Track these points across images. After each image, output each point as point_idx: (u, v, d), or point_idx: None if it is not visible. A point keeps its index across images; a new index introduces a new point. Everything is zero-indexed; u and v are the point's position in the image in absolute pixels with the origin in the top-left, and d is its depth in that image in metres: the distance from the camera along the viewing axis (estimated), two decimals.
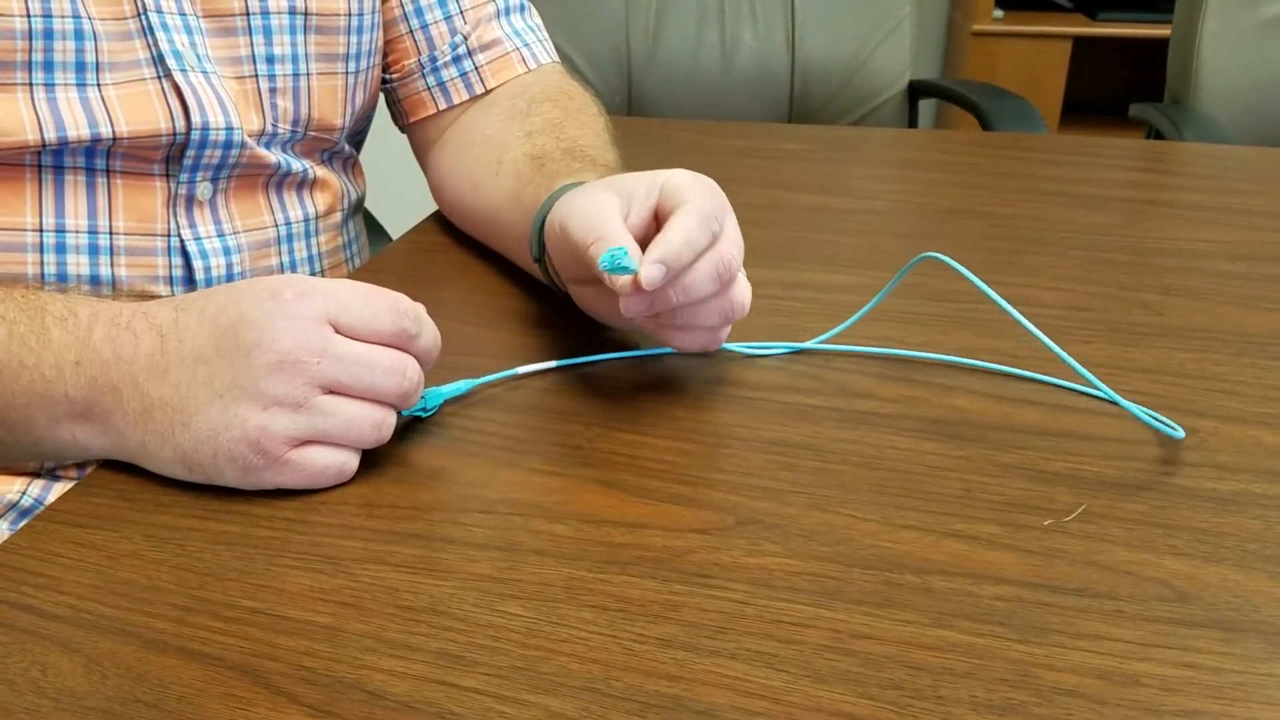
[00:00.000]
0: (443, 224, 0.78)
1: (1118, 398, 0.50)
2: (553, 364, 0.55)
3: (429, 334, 0.46)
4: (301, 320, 0.43)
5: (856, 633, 0.38)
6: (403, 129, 0.79)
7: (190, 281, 0.62)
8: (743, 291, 0.51)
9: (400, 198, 1.20)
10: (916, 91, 1.52)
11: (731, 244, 0.49)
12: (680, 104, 1.49)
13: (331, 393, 0.43)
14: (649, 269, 0.46)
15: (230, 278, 0.64)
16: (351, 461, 0.45)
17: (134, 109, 0.58)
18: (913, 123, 1.53)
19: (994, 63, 2.42)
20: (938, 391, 0.54)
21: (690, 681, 0.36)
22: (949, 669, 0.36)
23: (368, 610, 0.39)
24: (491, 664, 0.36)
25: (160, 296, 0.63)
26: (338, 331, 0.43)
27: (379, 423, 0.45)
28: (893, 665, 0.37)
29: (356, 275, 0.69)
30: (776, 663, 0.37)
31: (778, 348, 0.58)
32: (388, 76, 0.76)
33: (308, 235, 0.69)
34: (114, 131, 0.57)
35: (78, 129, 0.56)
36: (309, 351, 0.42)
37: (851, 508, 0.45)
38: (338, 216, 0.72)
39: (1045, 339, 0.49)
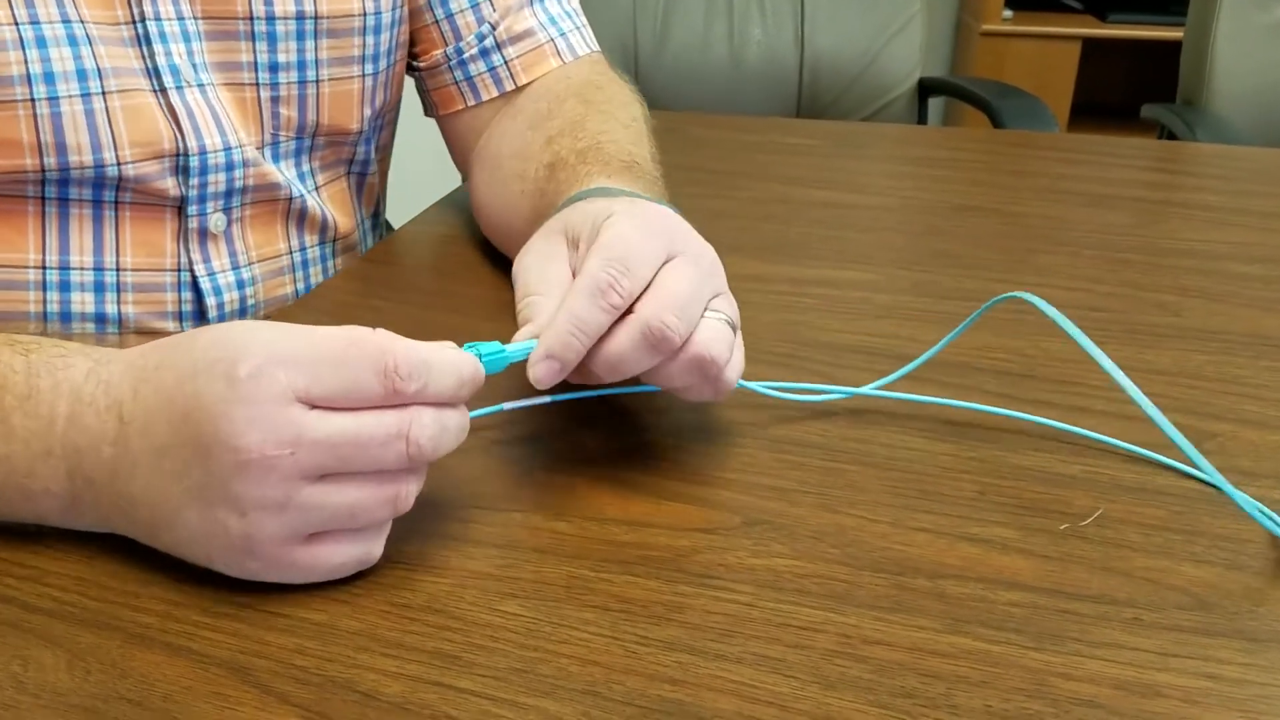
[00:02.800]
0: (446, 212, 0.77)
1: (1226, 485, 0.42)
2: (590, 393, 0.49)
3: (442, 374, 0.37)
4: (262, 406, 0.34)
5: (867, 638, 0.37)
6: (434, 117, 0.75)
7: (201, 316, 0.61)
8: (709, 343, 0.42)
9: (403, 184, 1.18)
10: (926, 89, 1.51)
11: (665, 305, 0.41)
12: (688, 98, 1.48)
13: (322, 478, 0.36)
14: (537, 367, 0.40)
15: (243, 311, 0.62)
16: (373, 549, 0.38)
17: (136, 126, 0.56)
18: (922, 120, 1.52)
19: (1003, 63, 2.40)
20: (951, 391, 0.53)
21: (694, 686, 0.35)
22: (963, 677, 0.35)
23: (361, 607, 0.37)
24: (489, 665, 0.35)
25: (168, 334, 0.61)
26: (314, 406, 0.35)
27: (391, 498, 0.37)
28: (905, 672, 0.35)
29: (359, 265, 0.68)
30: (784, 668, 0.35)
31: (834, 391, 0.50)
32: (416, 64, 0.71)
33: (323, 259, 0.67)
34: (117, 156, 0.55)
35: (80, 154, 0.54)
36: (277, 444, 0.34)
37: (862, 509, 0.44)
38: (355, 236, 0.70)
39: (1151, 409, 0.41)
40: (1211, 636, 0.37)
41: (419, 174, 0.81)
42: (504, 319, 0.60)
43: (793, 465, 0.47)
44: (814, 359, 0.56)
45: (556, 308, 0.42)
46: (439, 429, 0.37)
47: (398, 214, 0.79)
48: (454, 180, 0.81)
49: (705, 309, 0.43)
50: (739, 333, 0.45)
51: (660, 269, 0.42)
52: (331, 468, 0.36)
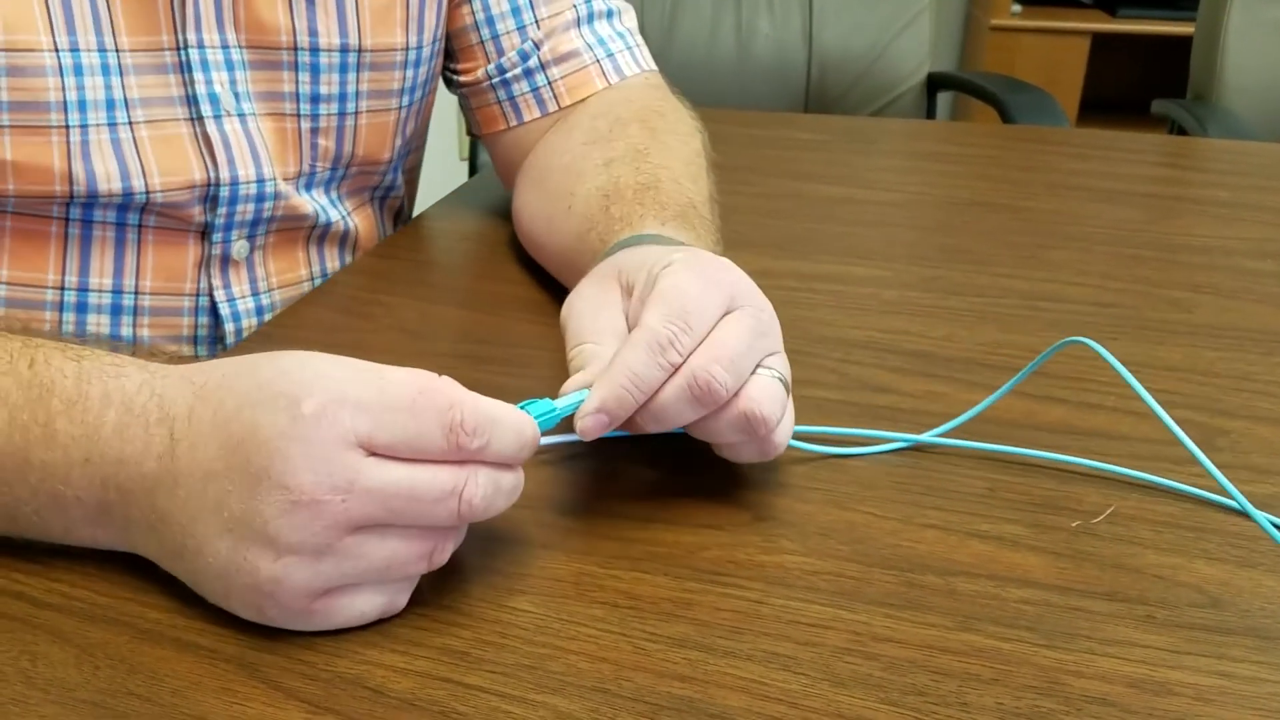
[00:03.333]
0: (458, 205, 0.77)
1: (1253, 510, 0.41)
2: (621, 433, 0.43)
3: (504, 434, 0.35)
4: (322, 447, 0.33)
5: (877, 635, 0.36)
6: (477, 137, 0.73)
7: (218, 341, 0.60)
8: (759, 401, 0.40)
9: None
10: (935, 84, 1.50)
11: (715, 358, 0.39)
12: (695, 91, 1.47)
13: (362, 529, 0.34)
14: (586, 420, 0.39)
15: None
16: (397, 600, 0.36)
17: (166, 155, 0.55)
18: (931, 115, 1.51)
19: (1012, 58, 2.39)
20: (960, 387, 0.52)
21: (704, 683, 0.34)
22: (974, 675, 0.35)
23: None
24: (498, 661, 0.35)
25: (183, 358, 0.60)
26: (372, 453, 0.34)
27: (428, 553, 0.35)
28: (915, 670, 0.35)
29: (367, 260, 0.68)
30: (794, 665, 0.35)
31: (896, 439, 0.47)
32: (459, 79, 0.70)
33: None
34: (146, 185, 0.55)
35: (109, 181, 0.54)
36: (332, 489, 0.33)
37: (871, 505, 0.43)
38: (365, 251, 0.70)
39: (1199, 453, 0.41)
40: (1224, 634, 0.37)
41: (429, 168, 0.81)
42: (516, 315, 0.60)
43: (801, 461, 0.46)
44: (823, 355, 0.56)
45: (609, 357, 0.40)
46: (493, 489, 0.35)
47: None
48: (464, 173, 0.80)
49: (759, 365, 0.41)
50: (790, 393, 0.43)
51: (718, 322, 0.41)
52: (380, 519, 0.34)
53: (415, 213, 0.77)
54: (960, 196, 0.83)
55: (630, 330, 0.42)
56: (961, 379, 0.53)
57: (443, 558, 0.36)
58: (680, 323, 0.40)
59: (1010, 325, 0.59)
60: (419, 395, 0.34)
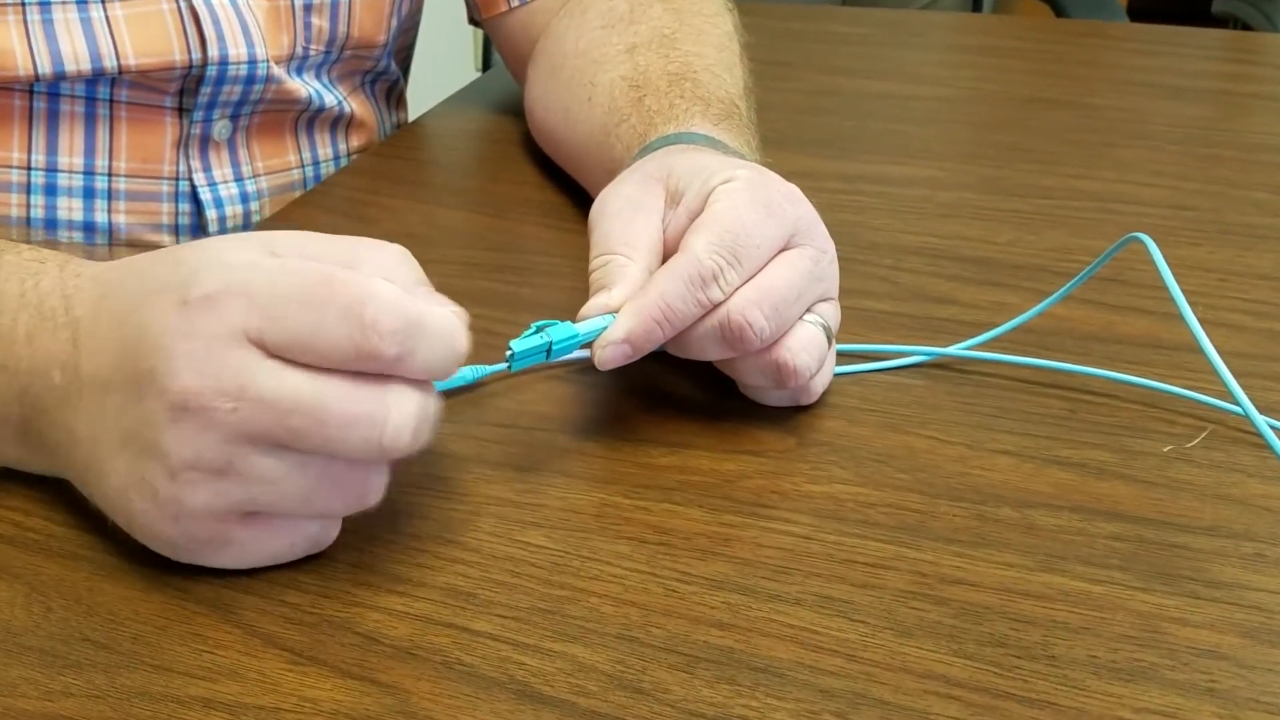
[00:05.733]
0: (466, 102, 0.71)
1: None
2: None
3: (433, 342, 0.29)
4: (206, 343, 0.28)
5: (946, 577, 0.32)
6: (479, 24, 0.68)
7: (200, 230, 0.56)
8: (796, 350, 0.36)
9: (421, 74, 1.12)
10: None
11: (757, 300, 0.35)
12: None
13: (274, 448, 0.29)
14: (606, 350, 0.35)
15: (246, 228, 0.57)
16: (326, 532, 0.32)
17: (144, 34, 0.51)
18: (977, 9, 1.43)
19: None
20: (1029, 297, 0.47)
21: (746, 631, 0.30)
22: (1061, 622, 0.30)
23: (363, 536, 0.33)
24: (509, 604, 0.31)
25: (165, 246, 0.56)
26: (270, 355, 0.28)
27: (356, 488, 0.30)
28: (993, 617, 0.30)
29: (369, 159, 0.62)
30: (850, 611, 0.31)
31: (916, 353, 0.42)
32: None
33: None
34: (119, 64, 0.50)
35: (77, 62, 0.49)
36: (218, 393, 0.28)
37: (934, 429, 0.38)
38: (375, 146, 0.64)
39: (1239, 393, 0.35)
40: None
41: (437, 64, 0.75)
42: (530, 219, 0.55)
43: (851, 379, 0.41)
44: (874, 263, 0.50)
45: (639, 276, 0.36)
46: (420, 416, 0.29)
47: (414, 106, 0.73)
48: (472, 71, 0.74)
49: (807, 310, 0.37)
50: (834, 341, 0.39)
51: (772, 258, 0.37)
52: (279, 438, 0.29)
53: (425, 109, 0.72)
54: (1018, 92, 0.76)
55: (668, 245, 0.37)
56: (1030, 288, 0.48)
57: (375, 498, 0.31)
58: (729, 254, 0.35)
59: (1081, 229, 0.54)
60: (322, 284, 0.28)
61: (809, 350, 0.37)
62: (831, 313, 0.39)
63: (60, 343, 0.31)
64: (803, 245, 0.37)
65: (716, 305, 0.35)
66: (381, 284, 0.29)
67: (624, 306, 0.35)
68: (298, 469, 0.29)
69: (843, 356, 0.42)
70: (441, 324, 0.29)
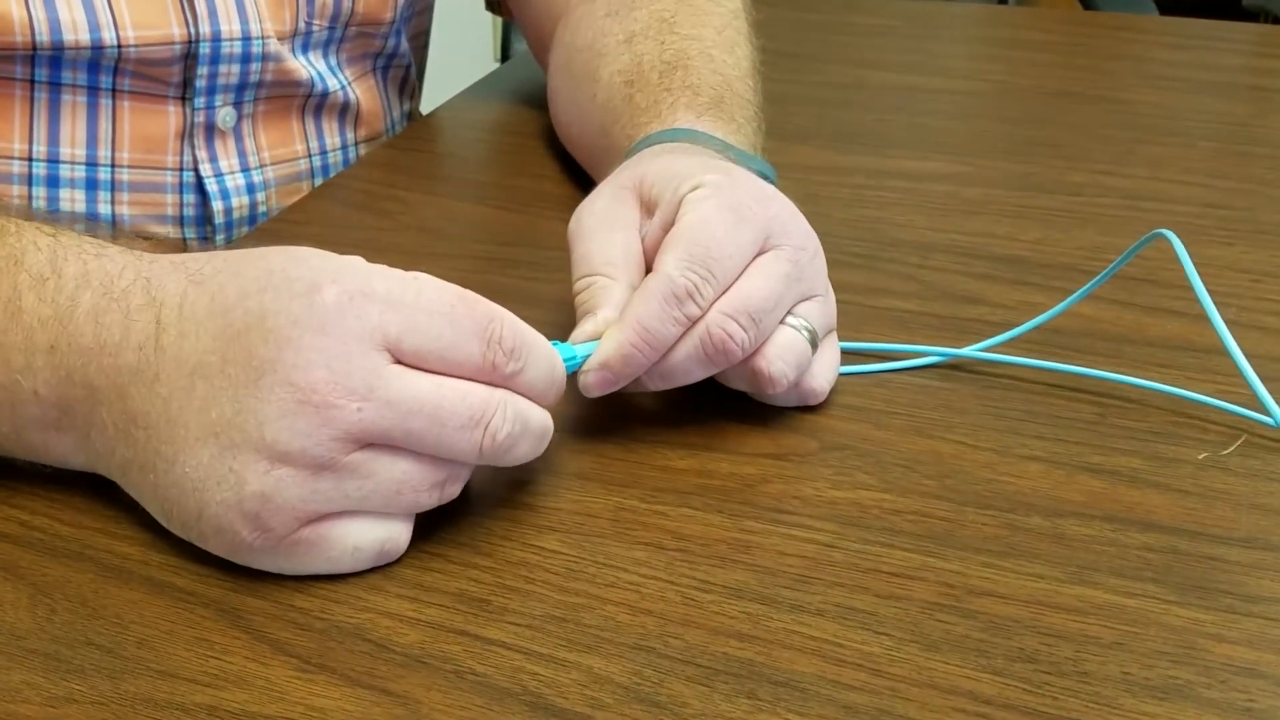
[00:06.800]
0: (483, 95, 0.70)
1: None
2: None
3: (540, 361, 0.31)
4: (344, 342, 0.29)
5: (974, 588, 0.31)
6: (493, 9, 0.67)
7: (206, 222, 0.55)
8: (772, 358, 0.36)
9: (437, 66, 1.11)
10: None
11: (735, 310, 0.35)
12: None
13: (372, 445, 0.30)
14: (589, 377, 0.35)
15: (253, 220, 0.56)
16: (397, 536, 0.31)
17: (140, 5, 0.50)
18: (1003, 1, 1.41)
19: None
20: (1059, 296, 0.46)
21: (766, 643, 0.29)
22: (1093, 637, 0.29)
23: None
24: (522, 611, 0.30)
25: (169, 239, 0.54)
26: (397, 360, 0.29)
27: (440, 482, 0.31)
28: (1022, 631, 0.29)
29: (384, 151, 0.61)
30: (874, 623, 0.30)
31: (931, 353, 0.41)
32: None
33: (346, 165, 0.60)
34: (118, 37, 0.49)
35: (75, 30, 0.48)
36: (348, 392, 0.28)
37: (961, 433, 0.37)
38: (381, 142, 0.63)
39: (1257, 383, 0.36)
40: None
41: (455, 54, 0.74)
42: (548, 214, 0.54)
43: (877, 381, 0.40)
44: (899, 260, 0.49)
45: (623, 296, 0.36)
46: (521, 426, 0.31)
47: (430, 97, 0.72)
48: (491, 63, 0.73)
49: (788, 313, 0.37)
50: (833, 333, 0.39)
51: (748, 265, 0.36)
52: (394, 439, 0.29)
53: (439, 108, 0.71)
54: (1046, 86, 0.75)
55: (647, 257, 0.37)
56: (1059, 287, 0.46)
57: (455, 489, 0.32)
58: (702, 269, 0.35)
59: (1111, 227, 0.52)
60: (459, 302, 0.30)
61: (785, 357, 0.36)
62: (816, 310, 0.38)
63: (135, 322, 0.31)
64: (779, 246, 0.36)
65: (695, 321, 0.35)
66: (500, 307, 0.31)
67: (606, 332, 0.35)
68: (393, 465, 0.30)
69: (860, 356, 0.41)
70: (548, 351, 0.32)
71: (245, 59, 0.53)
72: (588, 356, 0.35)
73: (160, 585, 0.30)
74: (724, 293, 0.35)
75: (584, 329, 0.36)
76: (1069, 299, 0.42)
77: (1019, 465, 0.36)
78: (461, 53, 0.70)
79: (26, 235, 0.33)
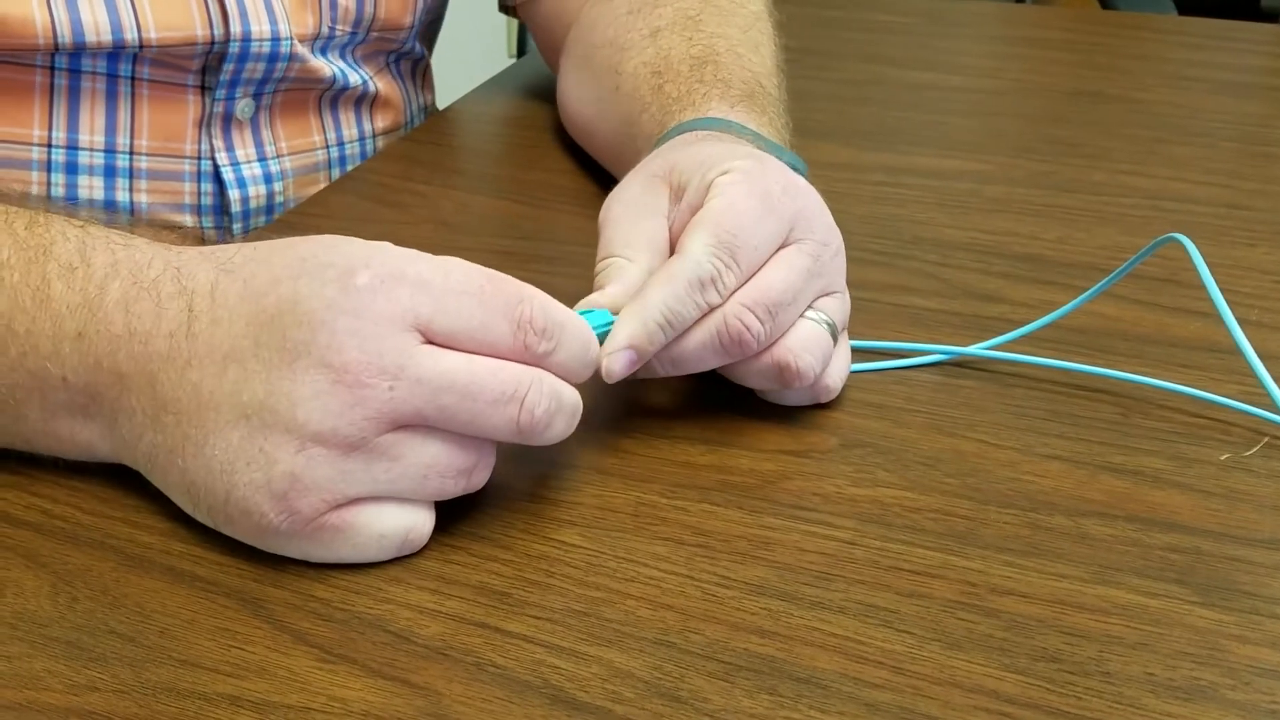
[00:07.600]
0: (499, 90, 0.70)
1: None
2: None
3: (573, 340, 0.31)
4: (376, 324, 0.29)
5: (997, 587, 0.31)
6: (511, 11, 0.67)
7: (223, 211, 0.55)
8: (797, 350, 0.36)
9: (453, 63, 1.11)
10: None
11: (754, 301, 0.35)
12: None
13: (404, 427, 0.30)
14: (613, 359, 0.34)
15: (270, 210, 0.56)
16: (422, 525, 0.31)
17: (165, 7, 0.50)
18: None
19: None
20: (1078, 294, 0.45)
21: (787, 639, 0.29)
22: (1116, 637, 0.29)
23: None
24: (543, 605, 0.30)
25: (186, 228, 0.54)
26: (428, 341, 0.30)
27: (469, 468, 0.31)
28: (1045, 630, 0.29)
29: (401, 145, 0.61)
30: (896, 621, 0.29)
31: (938, 351, 0.41)
32: None
33: (363, 157, 0.60)
34: (140, 38, 0.49)
35: (98, 32, 0.48)
36: (379, 371, 0.29)
37: (983, 432, 0.37)
38: (399, 135, 0.63)
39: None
40: None
41: (471, 50, 0.73)
42: (564, 208, 0.54)
43: (897, 379, 0.40)
44: (920, 258, 0.49)
45: (637, 276, 0.36)
46: (556, 404, 0.31)
47: (446, 93, 0.72)
48: (506, 58, 0.73)
49: (808, 307, 0.37)
50: (845, 332, 0.39)
51: (771, 255, 0.36)
52: (427, 417, 0.30)
53: (455, 103, 0.71)
54: (1065, 85, 0.75)
55: (672, 244, 0.37)
56: (1080, 286, 0.46)
57: (482, 478, 0.32)
58: (727, 256, 0.35)
59: (1133, 227, 0.52)
60: (488, 283, 0.31)
61: (811, 350, 0.36)
62: (836, 307, 0.38)
63: (166, 309, 0.31)
64: (803, 240, 0.36)
65: (713, 308, 0.35)
66: (531, 287, 0.31)
67: (622, 312, 0.35)
68: (424, 448, 0.30)
69: (868, 353, 0.41)
70: (580, 329, 0.32)
71: (273, 58, 0.53)
72: (612, 322, 0.35)
73: (181, 574, 0.31)
74: (746, 282, 0.35)
75: (589, 298, 0.36)
76: (1079, 298, 0.42)
77: (1041, 464, 0.36)
78: (477, 48, 0.70)
79: (55, 226, 0.33)
